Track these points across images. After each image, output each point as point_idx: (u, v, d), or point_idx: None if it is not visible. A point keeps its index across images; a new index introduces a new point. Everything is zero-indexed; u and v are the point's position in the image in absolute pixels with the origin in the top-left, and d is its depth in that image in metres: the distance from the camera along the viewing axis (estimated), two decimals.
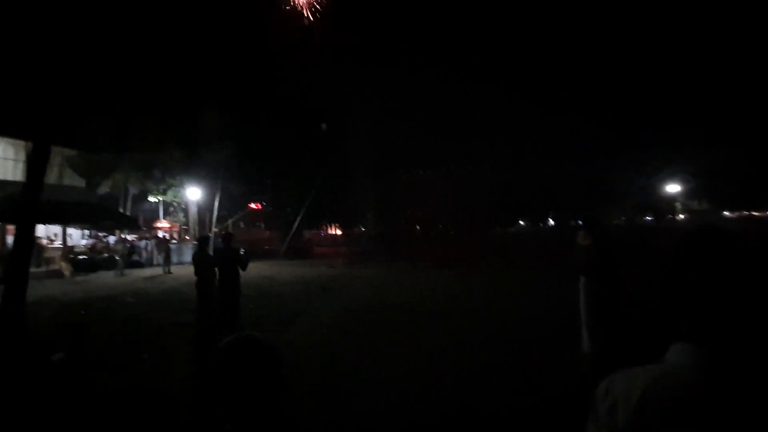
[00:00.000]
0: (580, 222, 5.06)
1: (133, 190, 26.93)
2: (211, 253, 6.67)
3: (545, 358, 4.60)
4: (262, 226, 32.89)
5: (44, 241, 16.15)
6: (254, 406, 0.91)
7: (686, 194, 53.95)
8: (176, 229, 29.49)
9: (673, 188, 49.74)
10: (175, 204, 29.62)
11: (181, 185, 25.90)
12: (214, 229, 23.99)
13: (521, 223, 68.02)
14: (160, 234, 24.44)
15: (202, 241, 6.58)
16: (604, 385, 0.73)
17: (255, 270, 17.54)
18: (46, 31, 7.33)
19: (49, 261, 15.25)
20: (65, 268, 14.61)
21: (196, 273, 5.87)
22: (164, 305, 9.06)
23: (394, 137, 30.46)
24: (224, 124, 25.60)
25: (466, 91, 29.50)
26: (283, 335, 6.05)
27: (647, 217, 59.05)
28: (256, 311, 8.38)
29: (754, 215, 58.81)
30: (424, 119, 27.92)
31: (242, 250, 5.90)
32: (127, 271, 16.03)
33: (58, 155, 18.13)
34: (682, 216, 53.98)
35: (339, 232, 36.09)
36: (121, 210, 25.65)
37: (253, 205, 30.97)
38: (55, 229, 17.53)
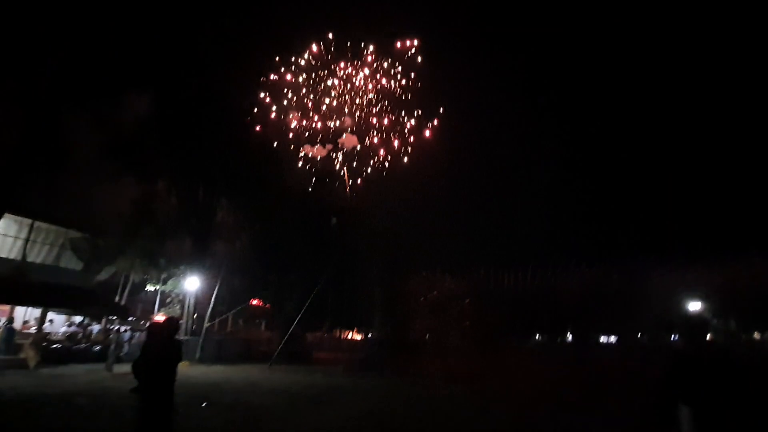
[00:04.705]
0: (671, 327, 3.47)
1: (134, 278, 26.07)
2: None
3: None
4: (263, 325, 31.00)
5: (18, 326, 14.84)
6: None
7: (711, 313, 49.99)
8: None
9: (694, 305, 46.45)
10: (173, 295, 28.45)
11: (183, 275, 25.05)
12: (206, 323, 22.42)
13: (537, 337, 63.60)
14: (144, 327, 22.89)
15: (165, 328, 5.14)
16: None
17: (241, 374, 15.58)
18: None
19: (18, 348, 13.77)
20: (31, 357, 13.08)
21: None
22: (118, 412, 7.43)
23: (406, 238, 29.98)
24: (235, 217, 25.65)
25: (482, 194, 29.71)
26: None
27: (673, 336, 54.37)
28: (222, 427, 6.78)
29: None
30: (437, 223, 27.61)
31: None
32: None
33: (61, 236, 17.80)
34: (708, 337, 49.06)
35: (345, 335, 33.68)
36: (117, 298, 24.52)
37: (255, 302, 29.53)
38: (36, 313, 16.36)
